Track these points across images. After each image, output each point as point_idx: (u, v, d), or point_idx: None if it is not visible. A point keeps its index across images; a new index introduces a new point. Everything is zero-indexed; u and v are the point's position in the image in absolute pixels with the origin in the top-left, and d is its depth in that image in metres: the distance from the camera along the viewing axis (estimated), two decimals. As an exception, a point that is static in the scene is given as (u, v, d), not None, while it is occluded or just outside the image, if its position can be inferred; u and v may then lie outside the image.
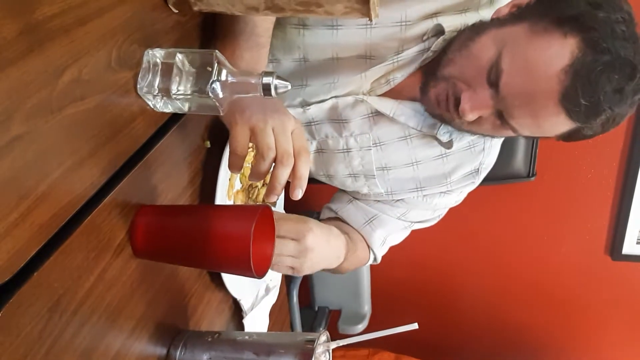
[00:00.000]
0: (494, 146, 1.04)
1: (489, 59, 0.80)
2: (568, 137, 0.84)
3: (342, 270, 1.05)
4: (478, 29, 0.85)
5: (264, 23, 0.73)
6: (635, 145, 1.73)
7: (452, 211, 1.13)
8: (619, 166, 1.78)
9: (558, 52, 0.76)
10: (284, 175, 0.66)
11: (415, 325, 0.72)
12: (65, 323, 0.52)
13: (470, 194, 1.11)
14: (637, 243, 1.86)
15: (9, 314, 0.46)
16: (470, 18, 0.90)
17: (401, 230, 1.10)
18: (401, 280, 2.06)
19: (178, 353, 0.69)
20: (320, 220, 1.13)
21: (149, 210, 0.62)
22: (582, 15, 0.76)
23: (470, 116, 0.82)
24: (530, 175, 1.52)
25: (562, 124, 0.80)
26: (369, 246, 1.07)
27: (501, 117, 0.83)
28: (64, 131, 0.50)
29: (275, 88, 0.61)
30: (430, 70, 0.89)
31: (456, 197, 1.08)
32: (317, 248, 0.86)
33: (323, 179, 1.07)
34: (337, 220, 1.09)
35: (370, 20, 0.60)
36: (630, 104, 0.77)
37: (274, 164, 0.68)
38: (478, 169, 1.04)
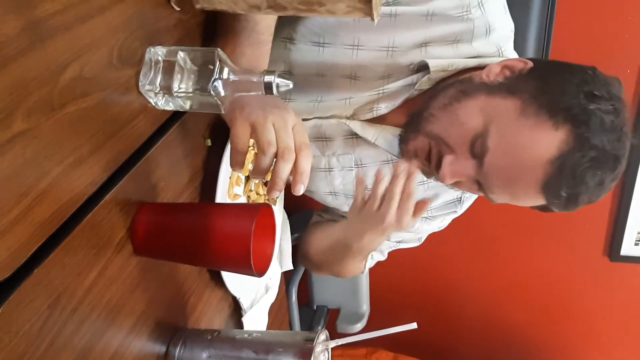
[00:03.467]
0: None
1: (475, 129, 0.79)
2: (543, 209, 0.85)
3: (343, 273, 1.06)
4: (466, 89, 0.83)
5: (266, 21, 0.73)
6: (634, 146, 1.73)
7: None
8: (618, 167, 1.78)
9: (547, 142, 0.76)
10: (285, 170, 0.65)
11: (414, 325, 0.72)
12: (65, 320, 0.52)
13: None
14: (636, 244, 1.86)
15: (8, 310, 0.46)
16: (461, 50, 0.88)
17: (386, 248, 1.11)
18: (400, 280, 2.06)
19: (177, 351, 0.69)
20: (310, 223, 1.15)
21: (149, 208, 0.62)
22: (574, 106, 0.75)
23: (449, 181, 0.83)
24: (530, 176, 1.52)
25: (537, 203, 0.82)
26: None
27: (479, 185, 0.83)
28: (65, 128, 0.50)
29: (277, 86, 0.61)
30: (411, 120, 0.87)
31: (439, 224, 1.08)
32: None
33: (305, 193, 1.06)
34: (329, 222, 1.10)
35: (372, 19, 0.60)
36: (607, 190, 0.80)
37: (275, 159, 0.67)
38: (460, 197, 1.03)
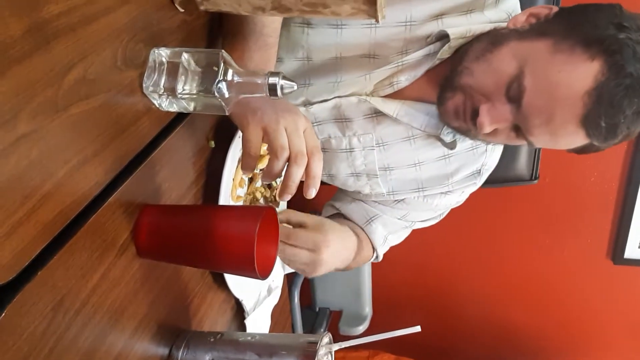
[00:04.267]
0: (497, 148, 1.04)
1: (509, 74, 0.80)
2: (581, 150, 0.85)
3: (347, 268, 1.05)
4: (496, 38, 0.84)
5: (273, 23, 0.73)
6: (638, 150, 1.73)
7: (454, 213, 1.13)
8: (622, 170, 1.78)
9: (583, 75, 0.76)
10: (298, 174, 0.66)
11: (417, 328, 0.72)
12: (68, 322, 0.52)
13: (472, 197, 1.10)
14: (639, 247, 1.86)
15: (12, 313, 0.45)
16: (474, 19, 0.90)
17: (402, 229, 1.10)
18: (402, 282, 2.06)
19: (180, 353, 0.69)
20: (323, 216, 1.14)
21: (153, 210, 0.62)
22: (607, 38, 0.76)
23: (488, 129, 0.82)
24: (533, 178, 1.52)
25: (579, 141, 0.81)
26: (371, 244, 1.08)
27: (517, 131, 0.83)
28: (70, 130, 0.50)
29: (282, 88, 0.60)
30: (446, 79, 0.88)
31: (457, 198, 1.08)
32: (331, 260, 0.89)
33: (324, 179, 1.06)
34: (339, 216, 1.09)
35: (377, 21, 0.59)
36: None
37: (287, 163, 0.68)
38: (480, 170, 1.04)
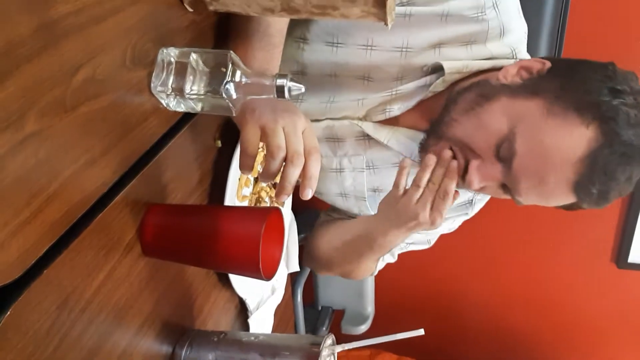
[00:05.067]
0: None
1: (500, 133, 0.79)
2: (569, 207, 0.84)
3: (354, 274, 1.07)
4: (486, 92, 0.82)
5: (278, 24, 0.73)
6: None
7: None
8: (628, 174, 1.77)
9: (577, 141, 0.75)
10: (294, 175, 0.65)
11: (421, 332, 0.71)
12: (73, 321, 0.52)
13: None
14: (644, 252, 1.85)
15: (18, 311, 0.46)
16: (475, 51, 0.88)
17: (396, 250, 1.10)
18: (405, 283, 2.06)
19: (184, 352, 0.69)
20: (318, 222, 1.14)
21: (158, 209, 0.62)
22: (601, 104, 0.75)
23: (477, 186, 0.82)
24: (539, 180, 1.51)
25: (568, 202, 0.81)
26: None
27: (505, 188, 0.83)
28: (77, 129, 0.50)
29: (289, 90, 0.60)
30: (432, 127, 0.87)
31: (449, 226, 1.07)
32: None
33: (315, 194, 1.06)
34: (337, 220, 1.10)
35: (387, 24, 0.59)
36: (634, 184, 0.80)
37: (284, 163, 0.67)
38: (472, 200, 1.03)
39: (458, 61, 0.86)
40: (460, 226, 1.11)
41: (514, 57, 0.90)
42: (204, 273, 0.77)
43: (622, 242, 1.85)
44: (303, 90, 0.61)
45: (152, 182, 0.64)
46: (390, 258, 1.11)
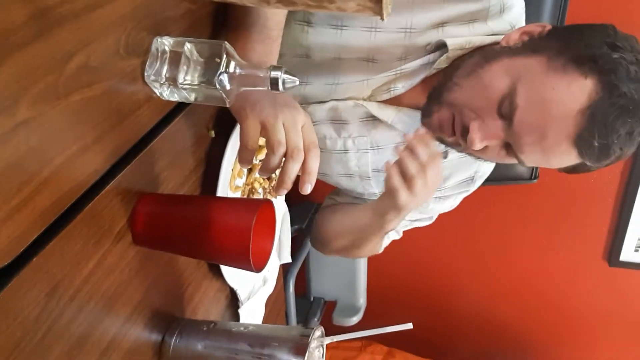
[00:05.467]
0: None
1: (501, 90, 0.79)
2: (572, 170, 0.84)
3: (361, 254, 1.07)
4: (488, 55, 0.83)
5: (276, 16, 0.73)
6: (638, 153, 1.72)
7: (452, 210, 1.13)
8: (621, 173, 1.78)
9: (576, 93, 0.75)
10: (294, 170, 0.66)
11: (409, 325, 0.72)
12: (62, 308, 0.52)
13: (471, 194, 1.11)
14: (636, 250, 1.86)
15: (6, 298, 0.46)
16: (477, 29, 0.88)
17: (401, 227, 1.11)
18: (398, 276, 2.07)
19: (173, 341, 0.70)
20: (323, 206, 1.16)
21: (150, 198, 0.62)
22: (601, 56, 0.75)
23: (479, 146, 0.81)
24: (533, 177, 1.52)
25: (571, 161, 0.81)
26: None
27: (508, 148, 0.83)
28: (70, 117, 0.50)
29: (284, 82, 0.60)
30: (434, 92, 0.87)
31: (451, 203, 1.08)
32: None
33: (318, 177, 1.06)
34: (343, 205, 1.11)
35: (382, 18, 0.59)
36: (637, 143, 0.79)
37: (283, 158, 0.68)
38: (473, 177, 1.04)
39: (461, 38, 0.87)
40: (453, 220, 1.12)
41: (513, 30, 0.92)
42: (195, 263, 0.77)
43: (614, 241, 1.86)
44: (297, 83, 0.61)
45: (144, 171, 0.64)
46: (395, 235, 1.12)
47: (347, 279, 1.85)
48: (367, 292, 1.90)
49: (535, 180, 1.53)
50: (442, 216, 1.13)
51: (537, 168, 1.52)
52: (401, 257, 1.98)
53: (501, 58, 0.82)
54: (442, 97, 0.85)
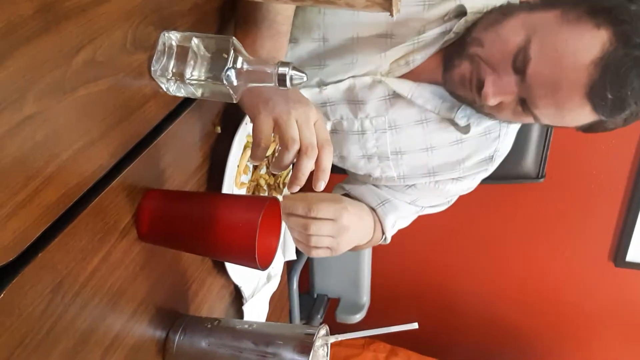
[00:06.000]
0: (510, 133, 1.02)
1: (517, 44, 0.79)
2: (589, 128, 0.83)
3: (361, 247, 1.05)
4: (506, 11, 0.84)
5: (285, 11, 0.72)
6: (647, 153, 1.71)
7: (458, 206, 1.12)
8: (629, 173, 1.77)
9: (589, 43, 0.75)
10: (307, 166, 0.66)
11: (415, 325, 0.71)
12: (67, 304, 0.52)
13: (476, 192, 1.10)
14: (642, 251, 1.85)
15: (11, 293, 0.45)
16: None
17: (412, 214, 1.10)
18: (402, 273, 2.06)
19: (177, 337, 0.69)
20: None
21: (156, 194, 0.62)
22: (615, 7, 0.75)
23: (492, 101, 0.81)
24: (540, 176, 1.51)
25: (585, 116, 0.79)
26: (381, 226, 1.07)
27: (523, 104, 0.82)
28: (76, 112, 0.49)
29: (291, 79, 0.60)
30: (453, 49, 0.87)
31: (469, 184, 1.07)
32: (353, 226, 0.87)
33: (335, 161, 1.06)
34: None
35: (392, 15, 0.59)
36: None
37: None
38: (492, 156, 1.03)
39: (478, 2, 0.87)
40: (458, 217, 1.11)
41: None
42: (199, 259, 0.77)
43: (621, 241, 1.85)
44: (305, 79, 0.60)
45: (150, 167, 0.63)
46: (403, 223, 1.11)
47: (351, 276, 1.84)
48: (371, 289, 1.89)
49: (541, 180, 1.52)
50: (446, 213, 1.13)
51: (544, 167, 1.51)
52: (405, 255, 1.97)
53: (519, 13, 0.82)
54: (463, 51, 0.85)
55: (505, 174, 1.14)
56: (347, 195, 1.08)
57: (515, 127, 1.03)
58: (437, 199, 1.08)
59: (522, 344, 2.08)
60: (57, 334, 0.51)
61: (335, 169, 1.13)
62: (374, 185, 1.07)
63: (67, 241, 0.51)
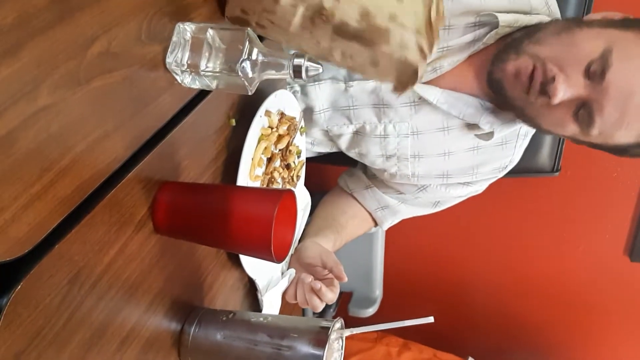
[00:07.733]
0: (523, 145, 1.05)
1: (593, 52, 0.82)
2: (622, 151, 0.88)
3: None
4: (574, 23, 0.86)
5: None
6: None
7: (472, 201, 1.12)
8: (646, 166, 1.74)
9: None
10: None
11: (430, 319, 0.71)
12: (83, 296, 0.52)
13: (491, 186, 1.10)
14: (658, 245, 1.83)
15: (28, 285, 0.46)
16: (517, 1, 0.91)
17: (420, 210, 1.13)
18: (414, 267, 2.05)
19: (192, 329, 0.69)
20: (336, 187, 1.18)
21: (171, 187, 0.62)
22: None
23: (561, 95, 0.83)
24: (555, 170, 1.49)
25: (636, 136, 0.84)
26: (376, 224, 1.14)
27: (584, 108, 0.84)
28: (91, 104, 0.49)
29: (307, 70, 0.59)
30: (511, 43, 0.88)
31: (476, 188, 1.09)
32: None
33: (353, 155, 1.07)
34: (350, 198, 1.13)
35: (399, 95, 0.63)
36: None
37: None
38: (507, 165, 1.05)
39: (509, 15, 0.89)
40: (472, 212, 1.12)
41: (548, 10, 0.95)
42: (214, 252, 0.76)
43: (636, 235, 1.83)
44: (321, 70, 0.60)
45: (165, 160, 0.63)
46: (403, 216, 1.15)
47: (364, 270, 1.84)
48: (384, 283, 1.89)
49: (557, 173, 1.50)
50: (460, 208, 1.12)
51: (559, 161, 1.50)
52: (418, 249, 1.96)
53: (592, 26, 0.85)
54: (522, 46, 0.86)
55: (521, 168, 1.14)
56: (349, 195, 1.13)
57: (527, 141, 1.05)
58: (445, 195, 1.09)
59: (536, 338, 2.07)
60: (74, 326, 0.51)
61: (343, 162, 1.15)
62: (383, 185, 1.10)
63: (83, 233, 0.51)
